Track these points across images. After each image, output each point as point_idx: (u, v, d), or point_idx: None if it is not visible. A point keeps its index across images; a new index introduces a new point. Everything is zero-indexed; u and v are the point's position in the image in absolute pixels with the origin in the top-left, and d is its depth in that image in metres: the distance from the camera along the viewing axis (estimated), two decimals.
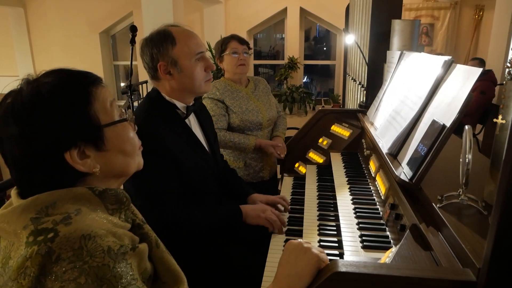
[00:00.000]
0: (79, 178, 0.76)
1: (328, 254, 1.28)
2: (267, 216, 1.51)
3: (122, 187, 0.90)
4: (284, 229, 1.54)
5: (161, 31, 1.44)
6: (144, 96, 5.11)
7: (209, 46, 6.02)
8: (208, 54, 5.89)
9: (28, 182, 0.75)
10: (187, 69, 1.44)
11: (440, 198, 1.04)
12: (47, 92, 0.72)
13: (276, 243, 1.46)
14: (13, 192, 0.77)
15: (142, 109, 1.51)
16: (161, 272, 0.83)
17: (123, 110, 0.85)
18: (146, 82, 4.97)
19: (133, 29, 2.79)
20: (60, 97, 0.73)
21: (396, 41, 2.12)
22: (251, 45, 2.57)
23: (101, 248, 0.65)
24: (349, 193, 1.58)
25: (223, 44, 2.27)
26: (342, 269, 0.80)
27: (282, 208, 1.68)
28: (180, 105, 1.51)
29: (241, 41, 2.27)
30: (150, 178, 1.36)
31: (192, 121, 1.59)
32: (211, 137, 1.67)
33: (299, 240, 0.98)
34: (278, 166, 2.47)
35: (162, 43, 1.41)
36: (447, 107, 1.18)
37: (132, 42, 2.83)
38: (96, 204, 0.75)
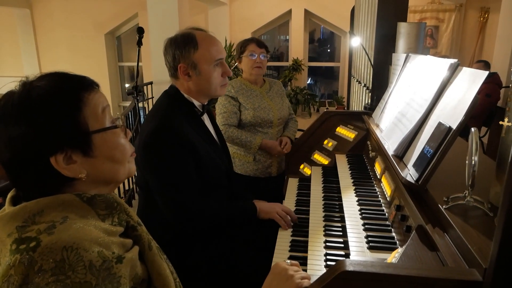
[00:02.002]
0: (66, 183, 0.77)
1: (334, 255, 1.30)
2: (278, 211, 1.59)
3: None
4: (290, 229, 1.56)
5: (186, 34, 1.50)
6: (147, 97, 5.15)
7: None
8: None
9: (18, 183, 0.76)
10: (205, 73, 1.51)
11: (446, 199, 1.05)
12: (36, 96, 0.73)
13: (282, 243, 1.47)
14: (8, 196, 0.78)
15: (163, 104, 1.56)
16: (152, 275, 0.84)
17: (119, 116, 0.85)
18: (151, 83, 4.99)
19: (140, 31, 2.83)
20: (49, 102, 0.73)
21: (401, 43, 2.13)
22: None
23: (83, 262, 0.65)
24: (355, 194, 1.59)
25: (243, 46, 2.36)
26: (350, 268, 0.81)
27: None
28: (196, 103, 1.58)
29: (260, 44, 2.34)
30: (173, 168, 1.44)
31: (206, 119, 1.66)
32: (221, 135, 1.77)
33: (287, 263, 1.00)
34: None
35: (185, 46, 1.48)
36: (453, 109, 1.19)
37: (139, 43, 2.86)
38: (86, 210, 0.76)
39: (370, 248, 1.21)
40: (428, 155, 1.18)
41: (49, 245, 0.65)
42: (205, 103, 1.62)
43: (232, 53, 5.85)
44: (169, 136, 1.43)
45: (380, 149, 1.70)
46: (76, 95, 0.77)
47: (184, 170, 1.45)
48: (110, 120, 0.82)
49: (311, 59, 7.38)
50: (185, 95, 1.56)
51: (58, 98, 0.75)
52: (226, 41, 6.32)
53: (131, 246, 0.80)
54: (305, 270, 1.22)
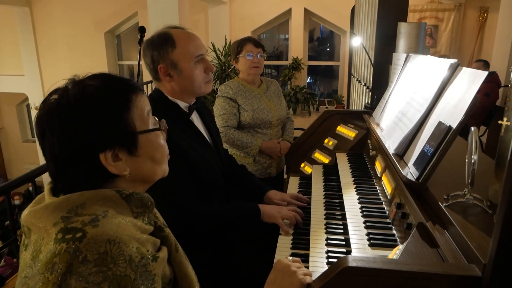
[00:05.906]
0: (109, 179, 0.80)
1: (336, 252, 1.32)
2: (283, 215, 1.55)
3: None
4: (292, 228, 1.57)
5: (162, 33, 1.46)
6: (147, 95, 5.16)
7: (213, 46, 6.06)
8: (212, 55, 5.91)
9: (62, 176, 0.78)
10: (186, 72, 1.47)
11: (446, 197, 1.07)
12: (91, 94, 0.76)
13: (284, 241, 1.49)
14: (46, 187, 0.80)
15: None
16: (178, 276, 0.86)
17: (156, 119, 0.89)
18: (150, 82, 5.01)
19: (142, 30, 2.84)
20: (103, 101, 0.77)
21: (402, 43, 2.15)
22: None
23: (123, 256, 0.68)
24: (356, 192, 1.61)
25: (239, 46, 2.34)
26: (353, 264, 0.83)
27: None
28: (182, 104, 1.54)
29: (256, 44, 2.34)
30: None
31: (195, 119, 1.62)
32: (214, 133, 1.71)
33: (289, 260, 1.01)
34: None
35: (162, 46, 1.44)
36: (453, 109, 1.21)
37: (141, 42, 2.87)
38: (122, 206, 0.78)
39: (371, 245, 1.23)
40: (429, 154, 1.20)
41: (95, 237, 0.68)
42: (192, 103, 1.57)
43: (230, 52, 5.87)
44: None
45: (380, 148, 1.72)
46: (126, 96, 0.80)
47: (177, 173, 1.40)
48: (152, 122, 0.86)
49: (310, 58, 7.41)
50: (170, 97, 1.51)
51: (110, 97, 0.78)
52: (226, 40, 6.33)
53: (159, 246, 0.83)
54: (307, 267, 1.24)
